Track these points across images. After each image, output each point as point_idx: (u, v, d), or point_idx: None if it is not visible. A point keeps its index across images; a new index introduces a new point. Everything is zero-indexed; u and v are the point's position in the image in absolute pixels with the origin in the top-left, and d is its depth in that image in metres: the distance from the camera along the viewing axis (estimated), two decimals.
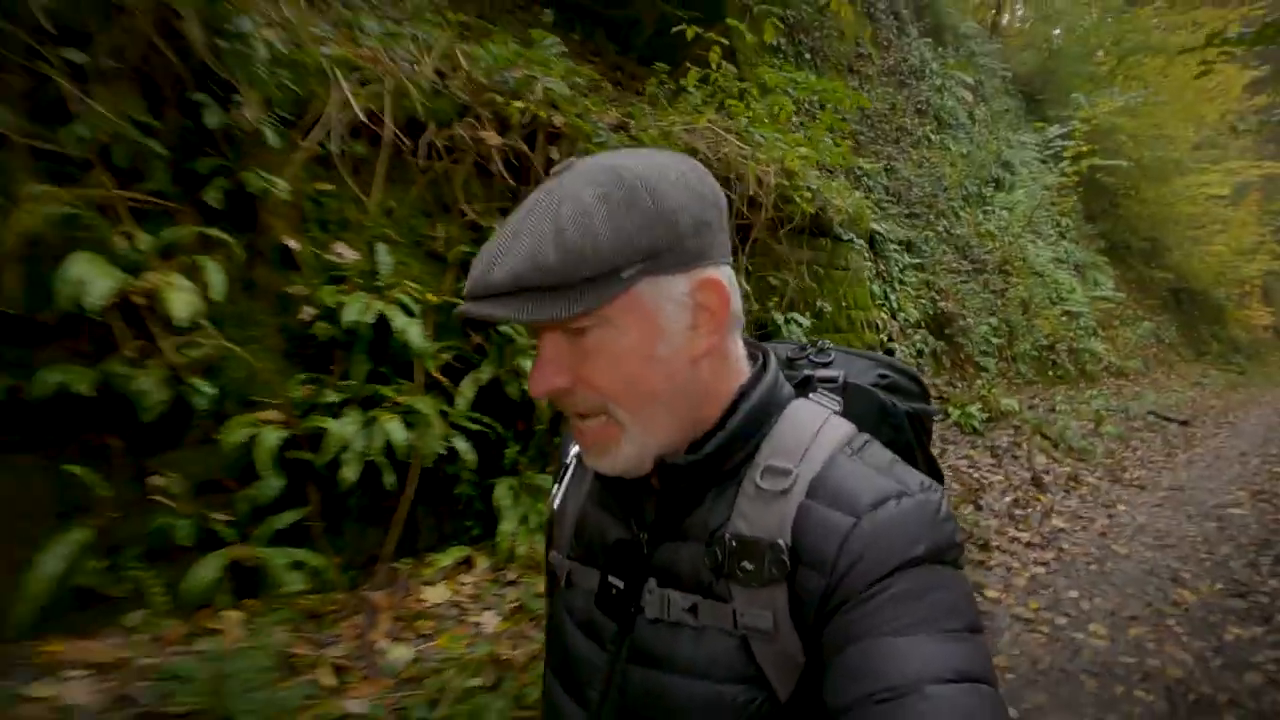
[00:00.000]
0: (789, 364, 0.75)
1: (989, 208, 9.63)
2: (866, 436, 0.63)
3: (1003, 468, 4.82)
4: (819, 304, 4.46)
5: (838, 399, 0.68)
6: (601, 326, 0.56)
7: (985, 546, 3.49)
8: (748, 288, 3.76)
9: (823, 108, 4.51)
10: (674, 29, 4.50)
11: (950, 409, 5.73)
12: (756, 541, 0.57)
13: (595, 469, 0.62)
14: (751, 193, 3.62)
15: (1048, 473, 5.01)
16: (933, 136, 9.07)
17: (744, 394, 0.62)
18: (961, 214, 8.87)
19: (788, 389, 0.67)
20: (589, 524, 0.70)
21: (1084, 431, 6.60)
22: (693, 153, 3.46)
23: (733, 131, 3.66)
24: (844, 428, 0.62)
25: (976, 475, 4.50)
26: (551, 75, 2.81)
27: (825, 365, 0.74)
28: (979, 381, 6.71)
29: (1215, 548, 3.83)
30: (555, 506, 0.74)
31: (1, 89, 1.58)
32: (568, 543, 0.72)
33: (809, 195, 3.93)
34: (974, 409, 5.77)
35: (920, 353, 6.32)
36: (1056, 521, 4.09)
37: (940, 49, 10.60)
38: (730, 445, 0.61)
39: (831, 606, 0.54)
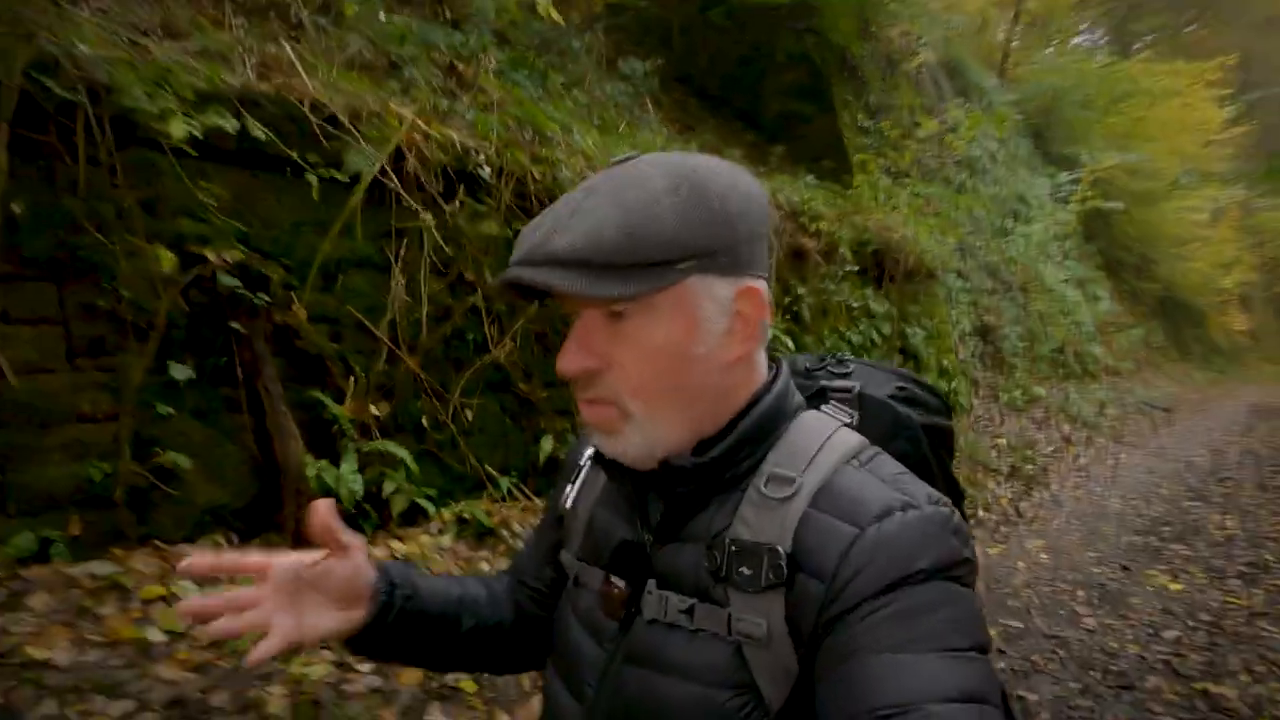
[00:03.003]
0: (807, 374, 0.78)
1: (1011, 237, 12.11)
2: (876, 449, 0.64)
3: (1042, 431, 7.27)
4: (924, 321, 6.86)
5: (850, 411, 0.70)
6: (645, 313, 0.59)
7: (1045, 470, 5.91)
8: (896, 310, 6.16)
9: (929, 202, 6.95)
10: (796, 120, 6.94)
11: (1000, 394, 8.17)
12: (756, 546, 0.58)
13: (603, 451, 0.65)
14: (899, 257, 6.04)
15: (1072, 436, 7.46)
16: (968, 182, 11.53)
17: (755, 401, 0.64)
18: (991, 244, 11.31)
19: (798, 399, 0.68)
20: (597, 525, 0.72)
21: (1093, 412, 9.05)
22: (867, 229, 5.84)
23: (889, 218, 6.07)
24: (852, 439, 0.64)
25: (1028, 435, 6.94)
26: (814, 202, 5.20)
27: (843, 376, 0.76)
28: (1016, 376, 9.15)
29: (1182, 474, 6.29)
30: (567, 507, 0.76)
31: None
32: (578, 543, 0.74)
33: (930, 255, 6.35)
34: (1017, 394, 8.22)
35: (973, 354, 8.74)
36: (1083, 460, 6.54)
37: (968, 104, 13.10)
38: (736, 451, 0.62)
39: (830, 617, 0.55)
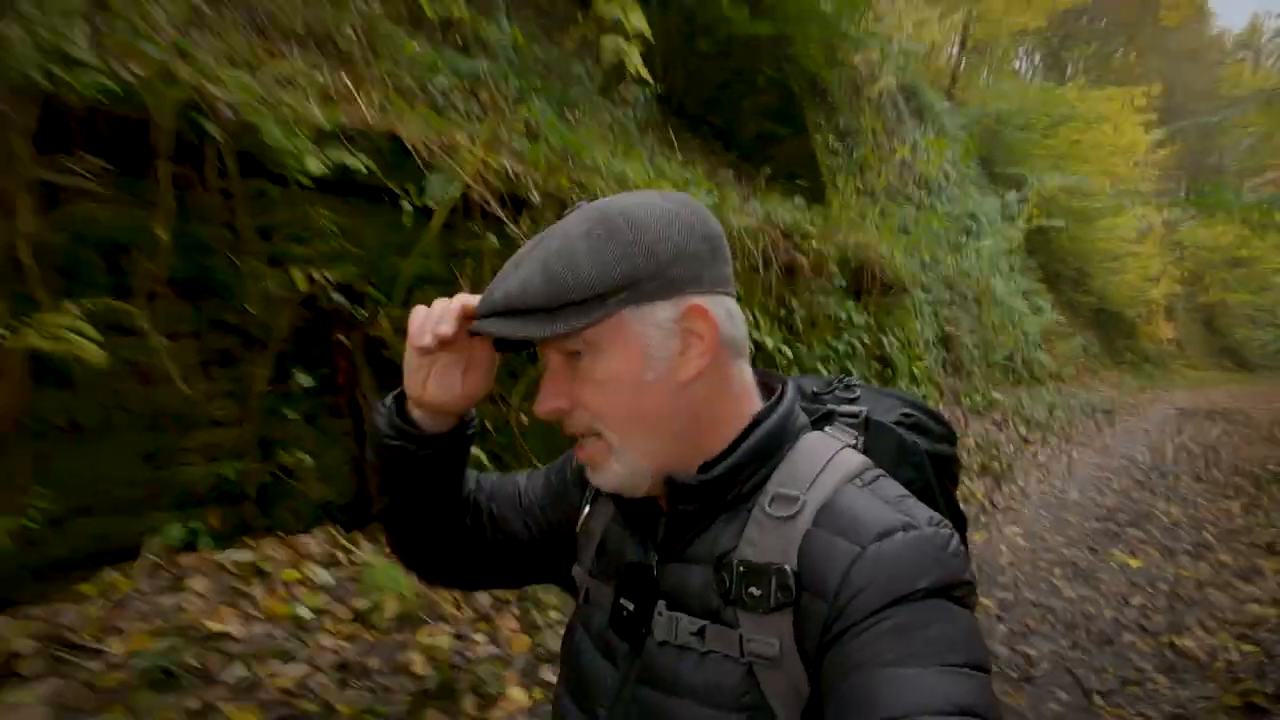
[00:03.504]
0: (814, 398, 0.78)
1: (965, 252, 12.91)
2: (879, 471, 0.66)
3: (1003, 431, 7.88)
4: (897, 331, 7.39)
5: (855, 433, 0.71)
6: (591, 351, 0.63)
7: (1010, 467, 6.47)
8: (874, 321, 6.65)
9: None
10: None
11: (962, 398, 8.79)
12: (763, 566, 0.60)
13: (596, 485, 0.68)
14: (876, 272, 6.54)
15: (1029, 437, 8.09)
16: (926, 200, 12.27)
17: (758, 420, 0.66)
18: (948, 258, 12.07)
19: (803, 420, 0.70)
20: (610, 542, 0.74)
21: (1044, 415, 9.77)
22: (848, 247, 6.31)
23: (865, 235, 6.57)
24: (856, 459, 0.66)
25: (991, 436, 7.52)
26: (803, 222, 5.64)
27: (850, 401, 0.77)
28: (974, 381, 9.82)
29: (1129, 470, 6.96)
30: (581, 523, 0.78)
31: None
32: (589, 560, 0.76)
33: (903, 271, 6.88)
34: (978, 398, 8.85)
35: (937, 361, 9.36)
36: (1041, 458, 7.14)
37: (923, 126, 13.92)
38: (739, 469, 0.64)
39: (832, 635, 0.56)
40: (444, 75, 4.19)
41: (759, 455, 0.64)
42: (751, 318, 4.86)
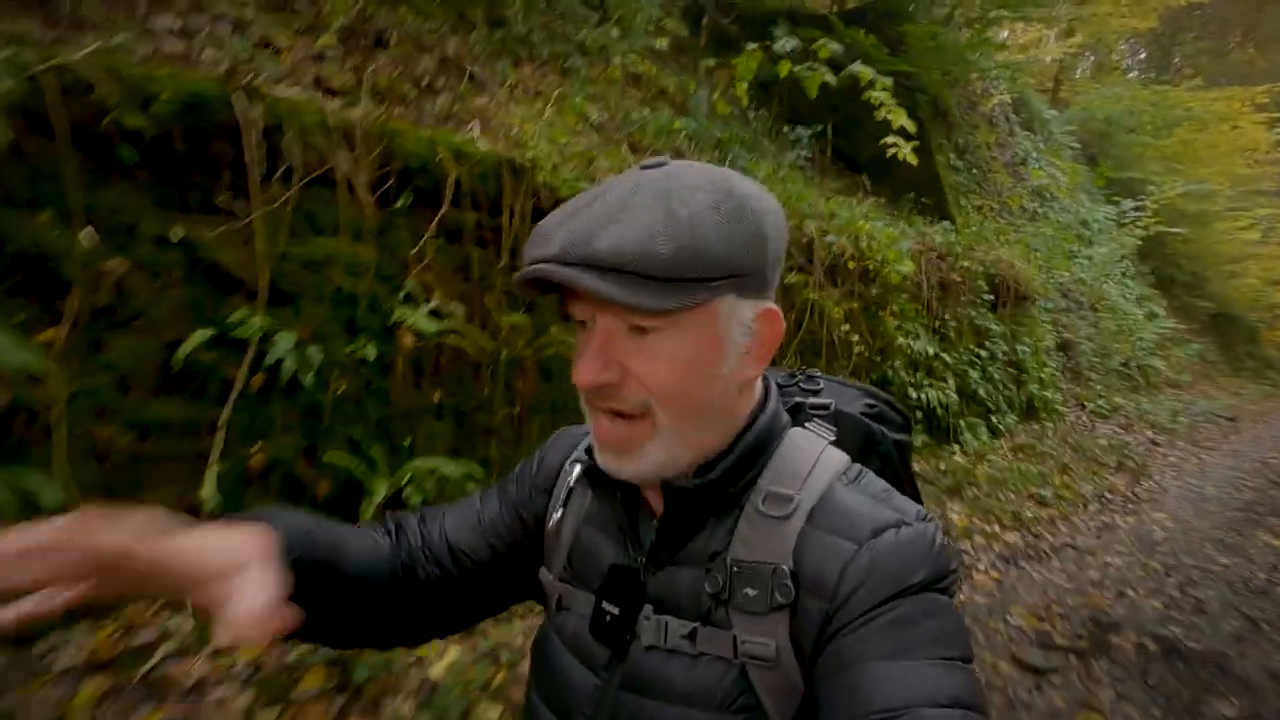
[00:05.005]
0: (779, 390, 0.77)
1: (1079, 260, 13.19)
2: (860, 466, 0.67)
3: (1131, 435, 8.35)
4: (1026, 339, 8.02)
5: (831, 428, 0.72)
6: (672, 329, 0.59)
7: (1143, 466, 7.02)
8: (1008, 330, 7.32)
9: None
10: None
11: (1085, 402, 9.26)
12: (759, 566, 0.61)
13: (613, 472, 0.64)
14: (1010, 285, 7.23)
15: (1157, 439, 8.53)
16: (1039, 210, 12.66)
17: (753, 420, 0.66)
18: (1064, 266, 12.42)
19: (785, 417, 0.71)
20: (582, 546, 0.72)
21: (1168, 420, 10.08)
22: (985, 262, 7.02)
23: (999, 252, 7.27)
24: (841, 457, 0.67)
25: (1120, 438, 8.03)
26: (954, 244, 6.41)
27: (815, 393, 0.78)
28: (1095, 387, 10.23)
29: (1262, 471, 7.37)
30: (550, 527, 0.76)
31: None
32: (560, 565, 0.74)
33: (1035, 282, 7.53)
34: (1101, 403, 9.31)
35: (1058, 366, 9.85)
36: (1171, 459, 7.63)
37: (1032, 136, 14.26)
38: (736, 470, 0.64)
39: (830, 632, 0.58)
40: (664, 135, 5.23)
41: (753, 454, 0.65)
42: (916, 331, 5.69)
